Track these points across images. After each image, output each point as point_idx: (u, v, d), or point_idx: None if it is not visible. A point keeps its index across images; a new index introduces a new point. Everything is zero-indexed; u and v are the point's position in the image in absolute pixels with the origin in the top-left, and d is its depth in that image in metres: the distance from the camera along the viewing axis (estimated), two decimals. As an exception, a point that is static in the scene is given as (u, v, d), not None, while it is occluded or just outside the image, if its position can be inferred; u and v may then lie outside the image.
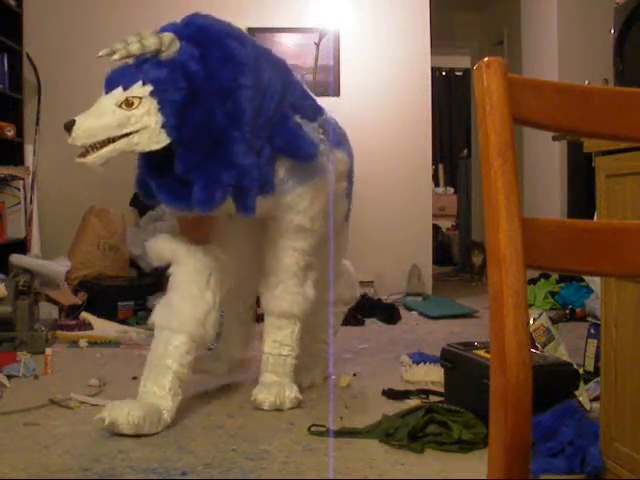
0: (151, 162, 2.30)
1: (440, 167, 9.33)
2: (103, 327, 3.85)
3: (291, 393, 2.53)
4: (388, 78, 5.42)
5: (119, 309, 4.15)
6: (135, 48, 2.16)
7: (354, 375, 3.04)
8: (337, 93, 5.37)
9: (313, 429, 2.30)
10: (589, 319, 3.74)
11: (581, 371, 2.64)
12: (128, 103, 2.17)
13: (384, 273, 5.34)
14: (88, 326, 3.92)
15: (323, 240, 2.66)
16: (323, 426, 2.30)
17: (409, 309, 5.00)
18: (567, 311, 4.50)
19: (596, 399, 2.32)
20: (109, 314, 4.06)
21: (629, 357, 1.71)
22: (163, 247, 2.51)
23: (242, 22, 5.29)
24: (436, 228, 7.46)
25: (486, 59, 0.77)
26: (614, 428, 1.76)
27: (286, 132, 2.45)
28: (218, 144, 2.24)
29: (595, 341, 2.65)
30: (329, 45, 5.29)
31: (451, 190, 9.01)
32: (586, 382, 2.53)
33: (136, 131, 2.18)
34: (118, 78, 2.20)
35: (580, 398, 2.36)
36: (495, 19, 7.31)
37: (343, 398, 2.70)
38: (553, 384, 2.22)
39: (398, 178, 5.43)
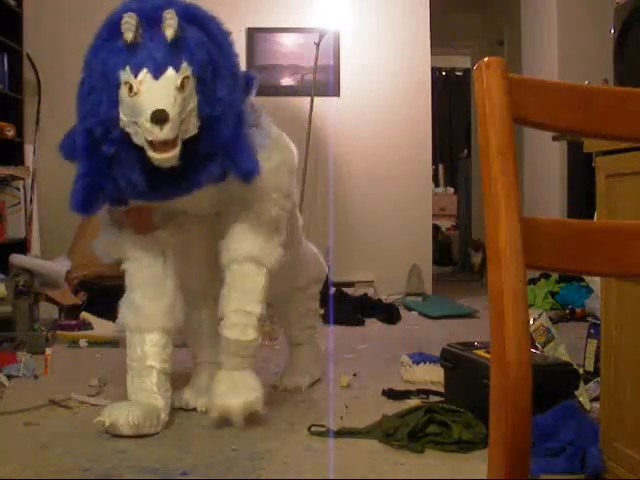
0: (140, 155, 2.08)
1: (440, 167, 9.33)
2: (103, 327, 3.85)
3: (252, 394, 2.32)
4: (388, 78, 5.42)
5: (119, 309, 4.15)
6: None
7: (354, 375, 3.04)
8: (337, 93, 5.37)
9: (313, 429, 2.30)
10: (589, 319, 3.74)
11: (581, 371, 2.65)
12: (182, 85, 2.03)
13: (384, 273, 5.34)
14: (88, 326, 3.92)
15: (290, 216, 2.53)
16: (323, 426, 2.30)
17: (409, 309, 5.00)
18: (567, 311, 4.50)
19: (596, 399, 2.32)
20: (109, 314, 4.05)
21: (629, 357, 1.71)
22: (110, 244, 2.43)
23: (242, 22, 5.31)
24: (436, 228, 7.46)
25: (486, 59, 0.77)
26: (614, 428, 1.76)
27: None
28: (239, 117, 2.16)
29: (595, 341, 2.65)
30: (329, 45, 5.29)
31: (451, 190, 9.01)
32: (586, 382, 2.53)
33: (188, 115, 2.06)
34: (162, 58, 2.02)
35: (580, 398, 2.36)
36: (495, 19, 7.31)
37: (343, 398, 2.70)
38: (553, 384, 2.22)
39: (398, 178, 5.43)
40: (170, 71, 2.02)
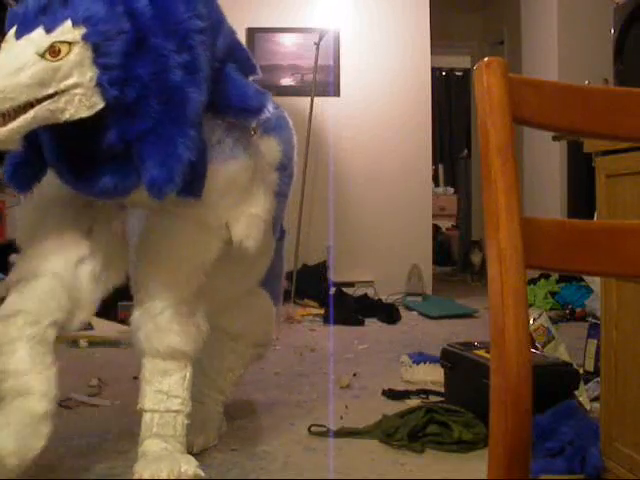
0: (60, 134, 1.69)
1: (440, 167, 9.33)
2: (103, 327, 3.84)
3: (189, 468, 1.79)
4: (388, 78, 5.42)
5: (119, 309, 4.15)
6: None
7: (354, 375, 3.04)
8: (337, 93, 5.38)
9: (313, 429, 2.30)
10: (589, 319, 3.74)
11: (581, 371, 2.65)
12: (54, 51, 1.58)
13: (384, 273, 5.34)
14: (88, 326, 3.92)
15: (227, 251, 1.92)
16: (323, 426, 2.30)
17: (409, 309, 5.00)
18: (567, 311, 4.50)
19: (596, 399, 2.32)
20: (109, 314, 4.06)
21: (629, 357, 1.71)
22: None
23: (242, 22, 5.31)
24: (436, 228, 7.46)
25: (486, 59, 0.77)
26: (614, 428, 1.76)
27: (233, 84, 1.87)
28: (172, 107, 1.67)
29: (595, 341, 2.65)
30: (329, 45, 5.29)
31: (451, 190, 9.01)
32: (586, 382, 2.53)
33: (63, 91, 1.60)
34: (35, 15, 1.59)
35: (580, 398, 2.36)
36: (495, 19, 7.30)
37: (343, 398, 2.70)
38: (553, 384, 2.22)
39: (398, 178, 5.43)
40: (37, 32, 1.57)
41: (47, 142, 1.72)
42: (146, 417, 1.87)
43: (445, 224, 8.59)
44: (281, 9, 5.31)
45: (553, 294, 4.86)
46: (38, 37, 1.57)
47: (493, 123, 0.75)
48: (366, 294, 5.10)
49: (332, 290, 4.94)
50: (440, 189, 8.92)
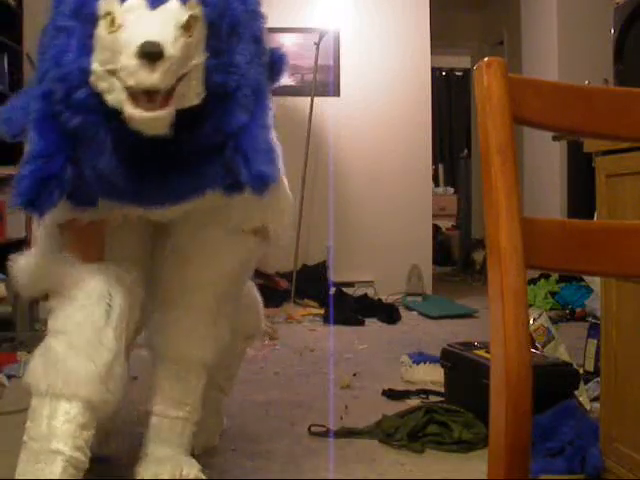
0: (132, 131, 1.44)
1: (440, 167, 9.33)
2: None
3: (191, 471, 1.79)
4: (388, 78, 5.42)
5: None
6: None
7: (354, 375, 3.04)
8: (337, 93, 5.37)
9: (313, 429, 2.30)
10: (589, 319, 3.74)
11: (581, 371, 2.65)
12: (188, 26, 1.40)
13: (384, 273, 5.33)
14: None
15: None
16: (323, 426, 2.30)
17: (409, 309, 5.00)
18: (567, 311, 4.50)
19: (596, 399, 2.32)
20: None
21: (629, 357, 1.71)
22: (39, 270, 1.70)
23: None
24: (436, 228, 7.46)
25: (486, 59, 0.77)
26: (614, 428, 1.76)
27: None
28: (260, 99, 1.56)
29: (595, 341, 2.65)
30: (329, 45, 5.29)
31: (451, 190, 9.01)
32: (586, 382, 2.53)
33: (185, 73, 1.41)
34: None
35: (580, 398, 2.36)
36: (495, 19, 7.31)
37: (343, 398, 2.70)
38: (553, 384, 2.22)
39: (398, 178, 5.43)
40: (173, 2, 1.40)
41: (108, 143, 1.45)
42: (153, 420, 1.84)
43: (445, 224, 8.59)
44: (281, 9, 5.31)
45: (553, 294, 4.86)
46: (176, 9, 1.40)
47: (493, 123, 0.75)
48: (366, 294, 5.10)
49: (332, 290, 4.94)
50: (440, 189, 8.92)
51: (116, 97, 1.39)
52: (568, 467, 1.89)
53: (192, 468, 1.80)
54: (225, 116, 1.50)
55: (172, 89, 1.39)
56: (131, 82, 1.35)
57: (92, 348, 1.61)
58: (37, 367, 1.63)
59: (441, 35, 6.26)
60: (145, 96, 1.36)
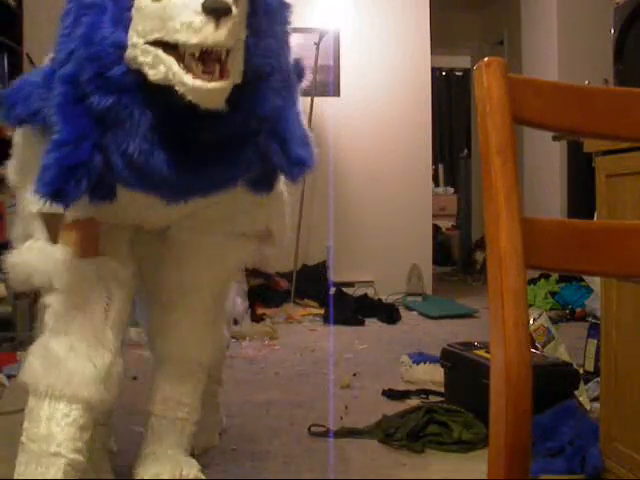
0: (171, 113, 1.37)
1: (440, 167, 9.33)
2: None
3: (191, 471, 1.80)
4: (388, 78, 5.42)
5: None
6: None
7: (354, 375, 3.04)
8: (337, 93, 5.37)
9: (313, 429, 2.30)
10: (589, 319, 3.74)
11: (581, 371, 2.65)
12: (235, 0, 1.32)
13: (384, 273, 5.33)
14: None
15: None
16: (323, 426, 2.30)
17: (409, 309, 5.00)
18: (567, 311, 4.50)
19: (596, 399, 2.32)
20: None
21: (629, 357, 1.71)
22: (34, 263, 1.57)
23: (242, 22, 5.31)
24: (436, 228, 7.46)
25: (486, 59, 0.77)
26: (614, 428, 1.76)
27: None
28: (289, 85, 1.52)
29: (595, 341, 2.65)
30: (329, 45, 5.29)
31: (451, 190, 9.01)
32: (586, 382, 2.53)
33: (229, 50, 1.32)
34: None
35: (580, 398, 2.36)
36: (495, 19, 7.31)
37: (343, 398, 2.70)
38: (553, 384, 2.22)
39: (398, 178, 5.43)
40: None
41: (142, 126, 1.36)
42: (153, 420, 1.85)
43: (445, 224, 8.59)
44: (281, 9, 5.31)
45: (553, 294, 4.86)
46: None
47: (493, 123, 0.75)
48: (366, 294, 5.10)
49: (332, 290, 4.94)
50: (440, 189, 8.92)
51: (163, 70, 1.31)
52: (568, 467, 1.89)
53: (192, 468, 1.81)
54: (260, 101, 1.43)
55: (226, 60, 1.31)
56: (194, 40, 1.25)
57: (92, 349, 1.58)
58: (35, 367, 1.58)
59: (441, 35, 6.26)
60: (200, 65, 1.29)
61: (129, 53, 1.34)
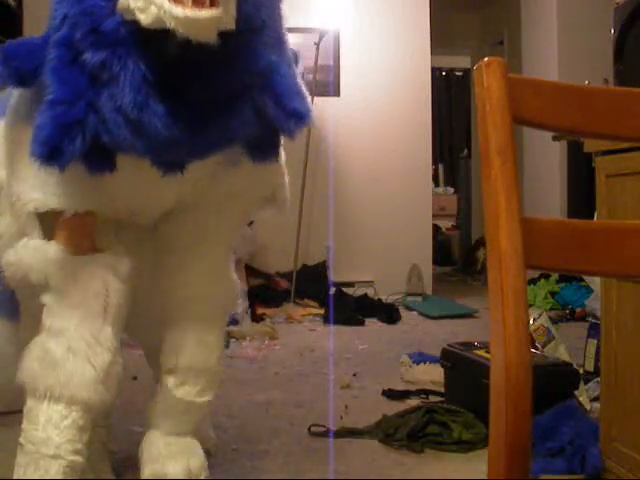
0: (172, 65, 1.36)
1: (440, 167, 9.33)
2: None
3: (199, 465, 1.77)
4: (388, 78, 5.42)
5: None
6: None
7: (354, 375, 3.04)
8: (337, 93, 5.37)
9: (313, 429, 2.30)
10: (589, 319, 3.74)
11: (581, 371, 2.65)
12: None
13: (384, 273, 5.34)
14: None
15: None
16: (323, 426, 2.30)
17: (409, 309, 5.01)
18: (567, 311, 4.51)
19: (596, 399, 2.32)
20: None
21: (629, 357, 1.71)
22: (29, 261, 1.55)
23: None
24: (436, 228, 7.46)
25: (486, 59, 0.77)
26: (614, 428, 1.76)
27: None
28: (282, 45, 1.52)
29: (595, 341, 2.65)
30: (329, 45, 5.29)
31: (451, 190, 9.02)
32: (586, 382, 2.53)
33: None
34: None
35: (580, 398, 2.36)
36: (495, 19, 7.31)
37: (343, 398, 2.70)
38: (553, 384, 2.22)
39: (398, 178, 5.43)
40: None
41: (136, 77, 1.33)
42: (156, 440, 1.77)
43: (445, 224, 8.60)
44: (281, 9, 5.31)
45: (553, 294, 4.86)
46: None
47: (493, 123, 0.75)
48: (366, 294, 5.10)
49: (332, 290, 4.94)
50: (440, 189, 8.93)
51: (153, 11, 1.27)
52: (568, 467, 1.89)
53: (200, 462, 1.78)
54: (253, 55, 1.42)
55: None
56: None
57: (91, 350, 1.55)
58: (34, 367, 1.55)
59: (441, 35, 6.27)
60: None
61: (121, 3, 1.31)
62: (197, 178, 1.60)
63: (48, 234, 1.58)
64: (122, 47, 1.33)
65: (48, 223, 1.58)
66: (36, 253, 1.55)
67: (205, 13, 1.24)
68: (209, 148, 1.49)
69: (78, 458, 1.54)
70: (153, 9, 1.27)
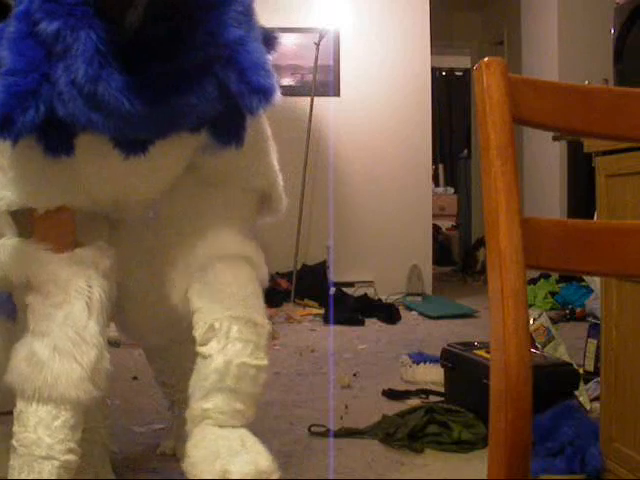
0: (134, 36, 1.30)
1: (440, 167, 9.33)
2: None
3: (266, 458, 1.53)
4: (388, 78, 5.42)
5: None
6: None
7: (354, 375, 3.04)
8: (337, 93, 5.37)
9: (313, 429, 2.30)
10: (589, 319, 3.74)
11: (581, 371, 2.65)
12: None
13: (384, 273, 5.34)
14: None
15: None
16: (323, 426, 2.30)
17: (409, 309, 5.00)
18: (567, 311, 4.50)
19: (596, 399, 2.32)
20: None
21: (629, 357, 1.70)
22: (8, 261, 1.53)
23: (242, 22, 5.31)
24: (436, 228, 7.46)
25: (486, 59, 0.77)
26: (614, 428, 1.76)
27: None
28: (250, 20, 1.47)
29: (595, 341, 2.65)
30: (329, 45, 5.29)
31: (451, 190, 9.01)
32: (586, 382, 2.53)
33: None
34: None
35: (580, 398, 2.36)
36: (495, 19, 7.31)
37: (343, 398, 2.70)
38: (553, 384, 2.22)
39: (398, 178, 5.43)
40: None
41: (89, 48, 1.29)
42: (219, 368, 1.56)
43: (445, 224, 8.59)
44: (281, 9, 5.31)
45: (553, 294, 4.86)
46: None
47: (493, 123, 0.75)
48: (366, 294, 5.10)
49: (332, 290, 4.94)
50: (440, 189, 8.92)
51: None
52: (568, 467, 1.89)
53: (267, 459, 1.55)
54: (218, 28, 1.37)
55: None
56: None
57: (77, 348, 1.52)
58: (21, 369, 1.52)
59: (441, 35, 6.27)
60: None
61: None
62: (168, 166, 1.55)
63: (26, 233, 1.55)
64: (75, 17, 1.28)
65: (23, 222, 1.54)
66: (14, 253, 1.52)
67: None
68: (170, 125, 1.43)
69: (71, 457, 1.51)
70: None
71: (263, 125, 1.68)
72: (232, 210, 1.68)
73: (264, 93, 1.37)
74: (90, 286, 1.56)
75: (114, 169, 1.51)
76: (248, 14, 1.45)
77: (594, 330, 2.69)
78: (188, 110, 1.40)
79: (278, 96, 1.39)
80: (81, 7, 1.28)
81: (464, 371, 2.45)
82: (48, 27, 1.29)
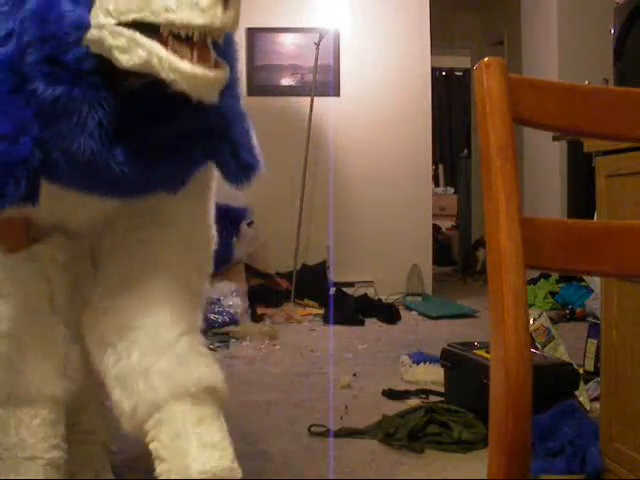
0: (130, 99, 1.23)
1: (440, 167, 9.33)
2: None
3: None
4: (388, 78, 5.42)
5: None
6: None
7: (354, 375, 3.04)
8: (337, 93, 5.37)
9: (313, 429, 2.30)
10: (589, 319, 3.74)
11: (581, 371, 2.65)
12: None
13: (384, 273, 5.34)
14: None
15: None
16: (323, 426, 2.30)
17: (409, 309, 5.00)
18: (567, 311, 4.50)
19: (596, 399, 2.32)
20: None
21: (629, 357, 1.70)
22: None
23: (242, 22, 5.30)
24: (436, 228, 7.46)
25: (486, 59, 0.77)
26: (614, 428, 1.76)
27: None
28: (235, 87, 1.39)
29: (595, 341, 2.65)
30: (329, 45, 5.29)
31: (451, 190, 9.02)
32: (586, 382, 2.53)
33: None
34: None
35: (580, 398, 2.36)
36: (495, 19, 7.30)
37: (343, 398, 2.70)
38: (553, 384, 2.22)
39: (398, 178, 5.43)
40: None
41: (90, 122, 1.18)
42: None
43: (445, 224, 8.59)
44: (281, 9, 5.31)
45: (553, 294, 4.86)
46: None
47: (493, 123, 0.75)
48: (366, 294, 5.10)
49: (332, 290, 4.94)
50: (440, 189, 8.93)
51: (142, 55, 1.13)
52: (568, 467, 1.89)
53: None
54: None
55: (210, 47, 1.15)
56: (200, 20, 1.07)
57: (44, 344, 1.48)
58: None
59: (441, 35, 6.27)
60: (195, 51, 1.12)
61: (92, 35, 1.15)
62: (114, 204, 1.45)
63: None
64: (81, 86, 1.17)
65: None
66: None
67: (217, 74, 1.13)
68: (154, 188, 1.38)
69: (56, 454, 1.49)
70: (141, 53, 1.13)
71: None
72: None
73: (252, 170, 1.35)
74: (50, 279, 1.52)
75: (74, 204, 1.43)
76: (236, 78, 1.39)
77: (594, 330, 2.69)
78: (175, 174, 1.37)
79: (262, 172, 1.37)
80: (86, 72, 1.18)
81: (464, 371, 2.45)
82: (47, 91, 1.17)
